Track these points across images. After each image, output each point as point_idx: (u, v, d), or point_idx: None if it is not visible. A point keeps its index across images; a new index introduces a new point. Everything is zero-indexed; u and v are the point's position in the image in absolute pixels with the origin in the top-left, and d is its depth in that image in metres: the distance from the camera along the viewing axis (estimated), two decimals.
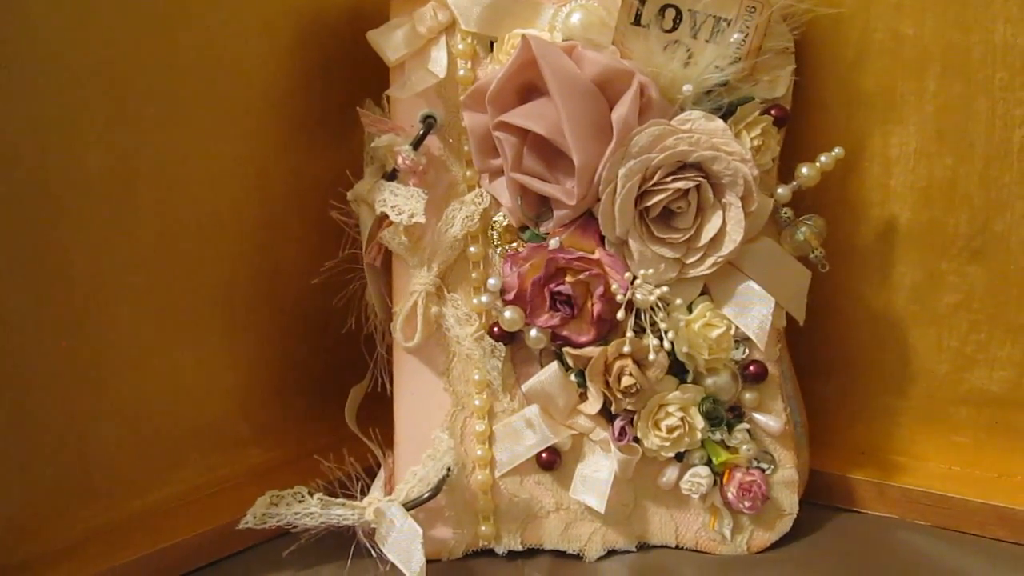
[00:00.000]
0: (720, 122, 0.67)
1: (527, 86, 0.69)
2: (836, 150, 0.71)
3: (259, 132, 0.76)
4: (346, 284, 0.77)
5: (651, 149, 0.66)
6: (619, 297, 0.67)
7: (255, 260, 0.77)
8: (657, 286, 0.68)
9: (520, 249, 0.70)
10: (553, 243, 0.67)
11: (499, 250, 0.71)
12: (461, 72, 0.71)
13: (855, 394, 0.79)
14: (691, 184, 0.67)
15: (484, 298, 0.70)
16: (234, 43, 0.72)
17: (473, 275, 0.72)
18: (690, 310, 0.70)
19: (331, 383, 0.81)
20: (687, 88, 0.66)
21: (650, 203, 0.67)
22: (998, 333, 0.74)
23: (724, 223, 0.68)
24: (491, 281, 0.68)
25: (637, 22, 0.68)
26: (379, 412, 0.76)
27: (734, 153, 0.66)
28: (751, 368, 0.71)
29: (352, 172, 0.75)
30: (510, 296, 0.69)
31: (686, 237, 0.68)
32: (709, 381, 0.70)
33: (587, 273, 0.68)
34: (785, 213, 0.71)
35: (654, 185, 0.67)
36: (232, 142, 0.74)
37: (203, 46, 0.71)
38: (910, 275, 0.75)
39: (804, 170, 0.71)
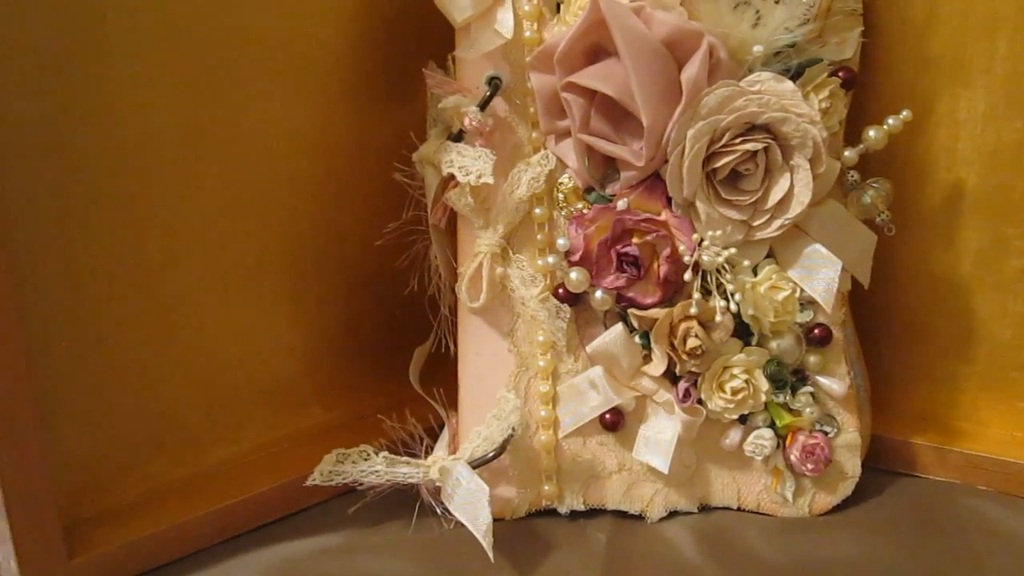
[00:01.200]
0: (790, 83, 0.67)
1: (595, 47, 0.69)
2: (904, 113, 0.70)
3: (324, 95, 0.76)
4: (409, 246, 0.77)
5: (720, 110, 0.66)
6: (686, 259, 0.67)
7: (320, 221, 0.78)
8: (724, 248, 0.68)
9: (586, 211, 0.70)
10: (621, 204, 0.67)
11: (564, 212, 0.71)
12: (527, 34, 0.71)
13: (918, 359, 0.79)
14: (760, 146, 0.66)
15: (550, 259, 0.70)
16: (300, 6, 0.72)
17: (538, 237, 0.72)
18: (756, 272, 0.70)
19: (393, 345, 0.82)
20: (757, 49, 0.66)
21: (718, 165, 0.67)
22: None
23: (792, 185, 0.68)
24: (560, 241, 0.69)
25: None
26: (441, 373, 0.77)
27: (803, 115, 0.66)
28: (816, 331, 0.71)
29: (416, 135, 0.75)
30: (576, 257, 0.69)
31: (753, 199, 0.68)
32: (774, 344, 0.70)
33: (654, 235, 0.68)
34: (852, 176, 0.71)
35: (722, 147, 0.67)
36: (297, 104, 0.74)
37: (270, 9, 0.71)
38: (976, 240, 0.75)
39: (871, 133, 0.70)
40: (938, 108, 0.73)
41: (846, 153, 0.70)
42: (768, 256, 0.70)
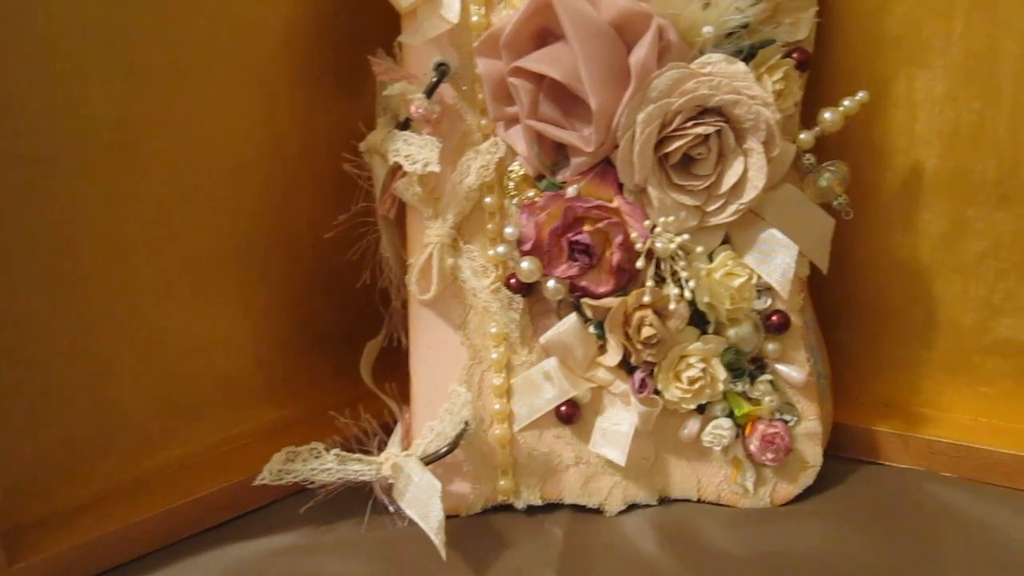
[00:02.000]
0: (741, 65, 0.65)
1: (543, 31, 0.67)
2: (860, 94, 0.69)
3: (268, 84, 0.74)
4: (360, 238, 0.76)
5: (670, 93, 0.65)
6: (638, 246, 0.66)
7: (268, 214, 0.76)
8: (677, 234, 0.66)
9: (537, 199, 0.69)
10: (571, 191, 0.66)
11: (515, 200, 0.70)
12: (474, 18, 0.69)
13: (879, 345, 0.78)
14: (712, 129, 0.65)
15: (501, 249, 0.68)
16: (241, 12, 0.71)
17: (489, 226, 0.70)
18: (711, 259, 0.68)
19: (346, 338, 0.80)
20: (707, 30, 0.65)
21: (670, 149, 0.65)
22: None
23: (746, 169, 0.66)
24: (508, 230, 0.67)
25: None
26: (395, 367, 0.76)
27: (756, 97, 0.65)
28: (774, 318, 0.69)
29: (365, 124, 0.73)
30: (527, 247, 0.68)
31: (707, 184, 0.66)
32: (731, 332, 0.69)
33: (606, 222, 0.66)
34: (808, 159, 0.69)
35: (674, 131, 0.65)
36: (240, 94, 0.72)
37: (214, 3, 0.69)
38: (936, 222, 0.73)
39: (827, 115, 0.69)
40: (895, 89, 0.72)
41: (802, 136, 0.69)
42: (724, 242, 0.69)
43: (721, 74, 0.65)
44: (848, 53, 0.72)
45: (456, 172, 0.69)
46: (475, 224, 0.70)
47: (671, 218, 0.66)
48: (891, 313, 0.77)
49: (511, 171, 0.69)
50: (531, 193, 0.69)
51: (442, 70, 0.69)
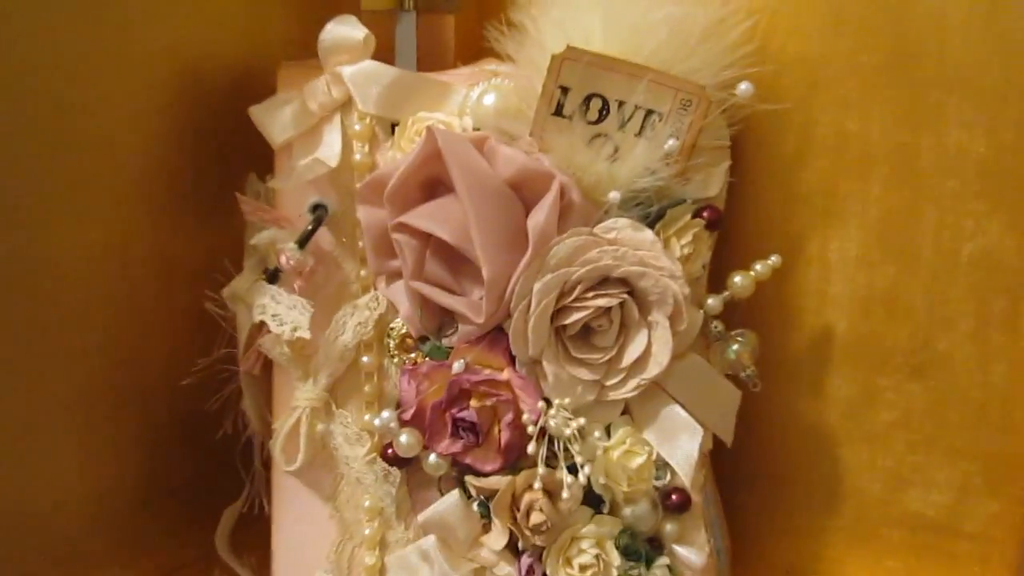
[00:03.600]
0: (649, 233, 0.59)
1: (432, 180, 0.60)
2: (773, 258, 0.64)
3: (123, 208, 0.66)
4: (222, 385, 0.68)
5: (571, 262, 0.59)
6: (530, 428, 0.59)
7: (117, 355, 0.67)
8: (574, 412, 0.60)
9: (419, 361, 0.62)
10: (457, 367, 0.59)
11: (395, 360, 0.63)
12: (357, 156, 0.62)
13: (782, 510, 0.73)
14: (615, 302, 0.59)
15: (384, 415, 0.61)
16: (92, 101, 0.62)
17: (366, 388, 0.63)
18: (608, 433, 0.62)
19: (203, 496, 0.72)
20: (614, 196, 0.59)
21: (568, 321, 0.59)
22: (936, 455, 0.68)
23: (650, 343, 0.60)
24: (384, 415, 0.60)
25: (559, 112, 0.60)
26: (256, 534, 0.68)
27: (663, 269, 0.59)
28: (673, 497, 0.63)
29: (232, 261, 0.65)
30: (407, 415, 0.61)
31: (607, 357, 0.60)
32: (627, 511, 0.63)
33: (495, 399, 0.60)
34: (716, 327, 0.64)
35: (573, 301, 0.59)
36: (89, 221, 0.64)
37: (58, 114, 0.61)
38: (845, 389, 0.69)
39: (737, 279, 0.64)
40: (808, 249, 0.68)
41: (710, 301, 0.64)
42: (623, 412, 0.63)
43: (627, 242, 0.59)
44: (760, 209, 0.68)
45: (331, 329, 0.62)
46: (350, 386, 0.64)
47: (567, 400, 0.60)
48: (795, 479, 0.72)
49: (392, 329, 0.63)
50: (413, 355, 0.62)
51: (319, 214, 0.62)
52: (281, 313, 0.59)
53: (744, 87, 0.59)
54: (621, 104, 0.60)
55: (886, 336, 0.68)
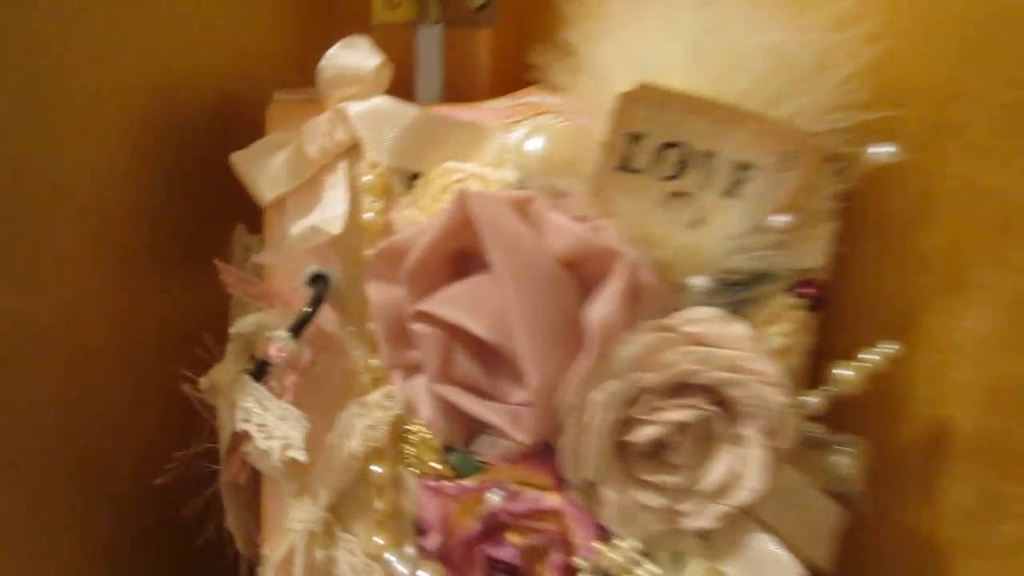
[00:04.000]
0: (742, 328, 0.46)
1: (462, 253, 0.47)
2: (888, 346, 0.51)
3: (87, 267, 0.53)
4: (203, 485, 0.55)
5: (642, 366, 0.46)
6: (582, 573, 0.47)
7: (75, 449, 0.55)
8: (641, 545, 0.47)
9: (445, 473, 0.49)
10: (494, 500, 0.46)
11: (414, 468, 0.50)
12: (368, 215, 0.50)
13: None
14: (696, 416, 0.46)
15: (396, 558, 0.48)
16: (49, 155, 0.49)
17: (377, 505, 0.50)
18: (678, 567, 0.50)
19: None
20: (700, 283, 0.46)
21: (635, 438, 0.46)
22: None
23: (739, 463, 0.48)
24: (407, 551, 0.47)
25: (626, 166, 0.47)
26: None
27: (762, 374, 0.46)
28: None
29: (214, 330, 0.53)
30: (431, 542, 0.48)
31: (683, 479, 0.48)
32: None
33: (540, 537, 0.47)
34: (814, 431, 0.51)
35: (643, 413, 0.46)
36: (45, 280, 0.51)
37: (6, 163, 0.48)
38: (965, 496, 0.57)
39: (846, 373, 0.50)
40: (927, 327, 0.55)
41: (809, 399, 0.51)
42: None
43: (713, 340, 0.46)
44: (868, 279, 0.55)
45: (334, 432, 0.49)
46: (358, 501, 0.51)
47: (631, 529, 0.47)
48: None
49: (410, 431, 0.50)
50: (438, 466, 0.50)
51: (319, 290, 0.49)
52: (269, 424, 0.47)
53: (887, 150, 0.46)
54: (708, 156, 0.47)
55: (1018, 435, 0.55)
